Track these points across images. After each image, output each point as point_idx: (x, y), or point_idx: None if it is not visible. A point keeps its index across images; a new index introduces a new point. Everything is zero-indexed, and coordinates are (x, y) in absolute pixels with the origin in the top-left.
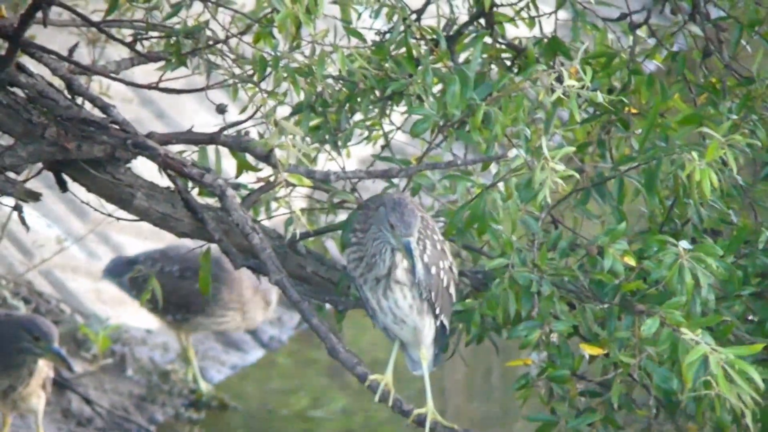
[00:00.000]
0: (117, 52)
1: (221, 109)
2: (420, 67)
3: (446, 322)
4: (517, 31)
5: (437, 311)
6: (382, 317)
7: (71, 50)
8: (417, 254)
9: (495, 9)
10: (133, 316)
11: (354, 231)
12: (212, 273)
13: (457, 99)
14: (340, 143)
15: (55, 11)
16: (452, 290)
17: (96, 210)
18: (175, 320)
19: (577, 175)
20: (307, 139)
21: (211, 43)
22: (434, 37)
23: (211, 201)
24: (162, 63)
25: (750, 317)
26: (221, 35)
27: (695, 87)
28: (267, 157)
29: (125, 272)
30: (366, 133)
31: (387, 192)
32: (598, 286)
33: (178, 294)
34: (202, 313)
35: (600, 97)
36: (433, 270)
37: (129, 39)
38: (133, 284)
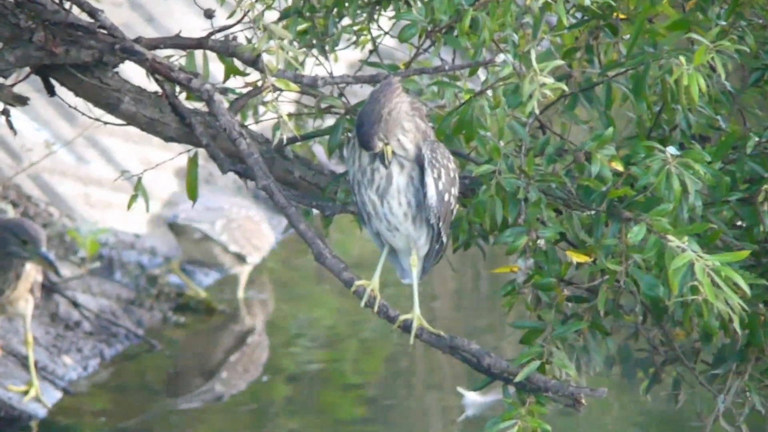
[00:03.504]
0: None
1: (209, 14)
2: None
3: (445, 239)
4: None
5: (442, 234)
6: (376, 223)
7: None
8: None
9: None
10: (121, 220)
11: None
12: None
13: (444, 4)
14: (327, 48)
15: None
16: (454, 210)
17: (84, 114)
18: None
19: (565, 87)
20: (295, 43)
21: None
22: None
23: (199, 106)
24: None
25: (738, 223)
26: None
27: None
28: (254, 62)
29: None
30: (354, 38)
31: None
32: (586, 193)
33: None
34: None
35: (588, 1)
36: (446, 197)
37: None
38: None
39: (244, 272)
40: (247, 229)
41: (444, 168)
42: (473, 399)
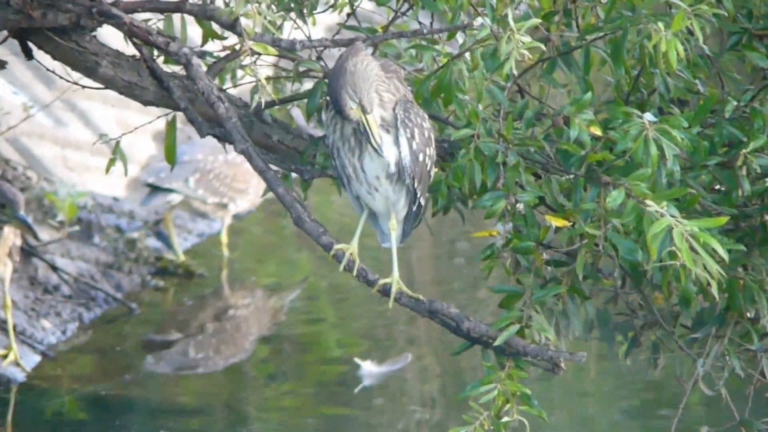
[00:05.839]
0: None
1: None
2: None
3: (423, 202)
4: None
5: (418, 194)
6: (356, 185)
7: None
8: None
9: None
10: (100, 183)
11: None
12: None
13: None
14: (305, 11)
15: None
16: (432, 172)
17: (62, 78)
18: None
19: (543, 47)
20: (273, 7)
21: None
22: None
23: (177, 69)
24: None
25: (716, 187)
26: None
27: None
28: (232, 26)
29: None
30: (331, 2)
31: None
32: (564, 157)
33: None
34: None
35: None
36: (420, 157)
37: None
38: None
39: (226, 217)
40: (226, 175)
41: (418, 127)
42: (369, 369)
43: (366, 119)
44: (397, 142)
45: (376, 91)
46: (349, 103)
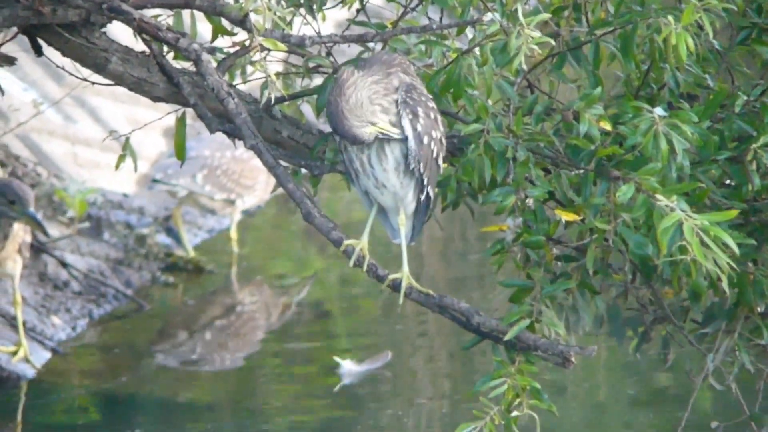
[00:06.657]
0: None
1: None
2: None
3: (431, 193)
4: None
5: (425, 182)
6: (364, 180)
7: None
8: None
9: None
10: (109, 179)
11: None
12: None
13: None
14: (315, 7)
15: None
16: (440, 161)
17: (71, 74)
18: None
19: (552, 42)
20: (282, 2)
21: None
22: None
23: (187, 65)
24: None
25: (726, 181)
26: None
27: None
28: (242, 22)
29: None
30: None
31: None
32: (574, 152)
33: None
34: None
35: None
36: (425, 140)
37: None
38: None
39: (235, 213)
40: (233, 171)
41: (421, 106)
42: (349, 368)
43: (379, 128)
44: (401, 129)
45: (375, 102)
46: (365, 131)
